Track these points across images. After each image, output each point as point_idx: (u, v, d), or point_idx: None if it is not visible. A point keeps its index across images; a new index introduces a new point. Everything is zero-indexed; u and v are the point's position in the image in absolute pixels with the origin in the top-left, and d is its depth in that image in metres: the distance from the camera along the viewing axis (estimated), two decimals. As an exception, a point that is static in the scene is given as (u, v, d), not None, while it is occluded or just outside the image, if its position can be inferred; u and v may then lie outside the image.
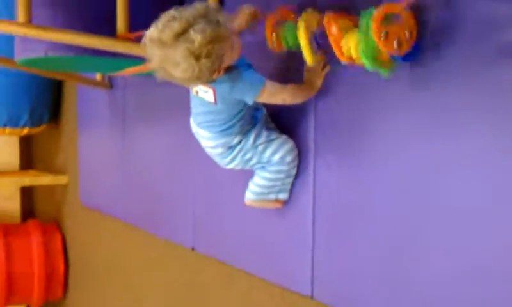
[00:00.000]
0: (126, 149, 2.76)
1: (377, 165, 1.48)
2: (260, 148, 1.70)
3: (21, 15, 1.80)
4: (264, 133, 1.71)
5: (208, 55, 1.35)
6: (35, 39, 2.01)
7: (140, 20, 1.97)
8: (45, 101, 3.51)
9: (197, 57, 1.35)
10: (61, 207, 3.70)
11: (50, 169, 3.80)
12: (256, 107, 1.68)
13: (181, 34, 1.33)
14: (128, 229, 2.76)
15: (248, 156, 1.70)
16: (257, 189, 1.76)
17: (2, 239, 3.45)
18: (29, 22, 1.80)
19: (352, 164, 1.56)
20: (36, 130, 3.58)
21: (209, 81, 1.48)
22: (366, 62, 1.29)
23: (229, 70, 1.49)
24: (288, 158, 1.70)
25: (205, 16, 1.35)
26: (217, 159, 1.74)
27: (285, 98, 1.61)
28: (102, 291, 3.14)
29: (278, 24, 1.65)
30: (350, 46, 1.32)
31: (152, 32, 1.38)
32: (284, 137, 1.72)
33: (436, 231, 1.33)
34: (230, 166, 1.74)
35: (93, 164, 3.15)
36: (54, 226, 3.72)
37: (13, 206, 4.05)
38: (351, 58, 1.35)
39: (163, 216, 2.45)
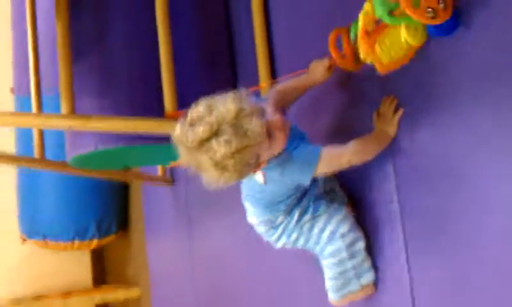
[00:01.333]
0: (194, 251, 2.54)
1: (473, 229, 1.18)
2: (306, 226, 1.47)
3: (64, 106, 1.67)
4: (311, 209, 1.46)
5: (234, 166, 1.19)
6: (84, 134, 1.89)
7: (191, 95, 1.85)
8: (112, 209, 3.39)
9: (222, 168, 1.20)
10: (135, 323, 3.48)
11: (123, 282, 3.62)
12: None
13: (204, 142, 1.19)
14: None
15: (294, 236, 1.48)
16: (332, 284, 1.48)
17: None
18: (73, 112, 1.68)
19: (446, 226, 1.26)
20: (105, 241, 3.44)
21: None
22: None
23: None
24: (341, 231, 1.44)
25: (234, 121, 1.17)
26: (265, 237, 1.53)
27: (350, 159, 1.35)
28: None
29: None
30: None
31: (177, 131, 1.25)
32: (333, 207, 1.46)
33: None
34: (279, 245, 1.52)
35: (162, 272, 2.93)
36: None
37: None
38: None
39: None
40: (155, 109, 1.74)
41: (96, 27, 1.88)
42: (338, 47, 1.44)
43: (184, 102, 1.75)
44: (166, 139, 1.85)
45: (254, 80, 1.86)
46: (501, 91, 1.12)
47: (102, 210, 3.33)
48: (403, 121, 1.37)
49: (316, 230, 1.46)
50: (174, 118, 1.71)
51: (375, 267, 1.46)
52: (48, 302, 3.48)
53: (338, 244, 1.44)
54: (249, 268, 2.11)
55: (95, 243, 3.37)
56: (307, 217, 1.46)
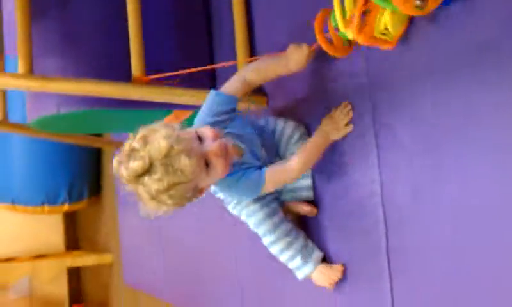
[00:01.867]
0: (164, 219, 2.46)
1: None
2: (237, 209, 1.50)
3: (22, 65, 1.56)
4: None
5: (170, 199, 1.21)
6: (45, 96, 1.78)
7: (164, 63, 1.76)
8: (84, 174, 3.30)
9: (159, 202, 1.22)
10: (107, 288, 3.42)
11: (95, 248, 3.55)
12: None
13: (139, 177, 1.19)
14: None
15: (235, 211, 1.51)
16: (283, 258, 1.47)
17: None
18: (31, 72, 1.57)
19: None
20: (77, 206, 3.35)
21: None
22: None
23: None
24: (259, 232, 1.45)
25: (164, 160, 1.17)
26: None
27: (295, 172, 1.36)
28: None
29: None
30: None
31: (114, 163, 1.24)
32: (253, 208, 1.45)
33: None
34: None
35: (133, 238, 2.86)
36: (101, 310, 3.43)
37: (60, 289, 3.80)
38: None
39: (209, 296, 2.11)
40: (122, 74, 1.64)
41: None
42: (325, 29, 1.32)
43: (156, 68, 1.67)
44: (134, 105, 1.77)
45: (230, 49, 1.76)
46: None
47: (73, 175, 3.24)
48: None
49: (244, 218, 1.49)
50: (141, 83, 1.62)
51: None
52: (18, 264, 3.41)
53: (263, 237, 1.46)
54: (218, 237, 2.05)
55: (66, 208, 3.29)
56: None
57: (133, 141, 1.21)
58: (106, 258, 3.30)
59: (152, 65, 1.64)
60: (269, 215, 1.44)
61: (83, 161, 3.28)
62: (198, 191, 1.27)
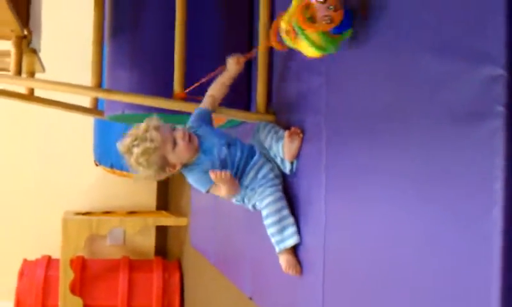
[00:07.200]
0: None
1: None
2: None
3: (92, 80, 2.09)
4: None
5: (148, 162, 1.76)
6: (115, 100, 2.30)
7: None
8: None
9: (141, 164, 1.78)
10: (182, 247, 4.00)
11: (179, 210, 4.13)
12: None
13: (128, 150, 1.79)
14: (218, 274, 2.92)
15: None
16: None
17: (127, 274, 3.83)
18: (99, 86, 2.09)
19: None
20: (163, 175, 3.93)
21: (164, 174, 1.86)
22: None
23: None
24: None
25: (144, 133, 1.76)
26: None
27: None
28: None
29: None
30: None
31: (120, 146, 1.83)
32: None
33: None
34: None
35: (199, 206, 3.37)
36: (176, 264, 4.02)
37: (148, 242, 4.47)
38: None
39: (233, 263, 2.57)
40: (171, 87, 2.11)
41: (133, 10, 2.26)
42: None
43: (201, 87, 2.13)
44: (179, 112, 2.23)
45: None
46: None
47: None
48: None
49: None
50: (180, 98, 2.07)
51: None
52: (114, 217, 4.06)
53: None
54: (239, 216, 2.43)
55: (152, 176, 3.87)
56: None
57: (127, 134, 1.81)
58: (182, 221, 3.86)
59: (194, 79, 2.10)
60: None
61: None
62: (168, 163, 1.79)
